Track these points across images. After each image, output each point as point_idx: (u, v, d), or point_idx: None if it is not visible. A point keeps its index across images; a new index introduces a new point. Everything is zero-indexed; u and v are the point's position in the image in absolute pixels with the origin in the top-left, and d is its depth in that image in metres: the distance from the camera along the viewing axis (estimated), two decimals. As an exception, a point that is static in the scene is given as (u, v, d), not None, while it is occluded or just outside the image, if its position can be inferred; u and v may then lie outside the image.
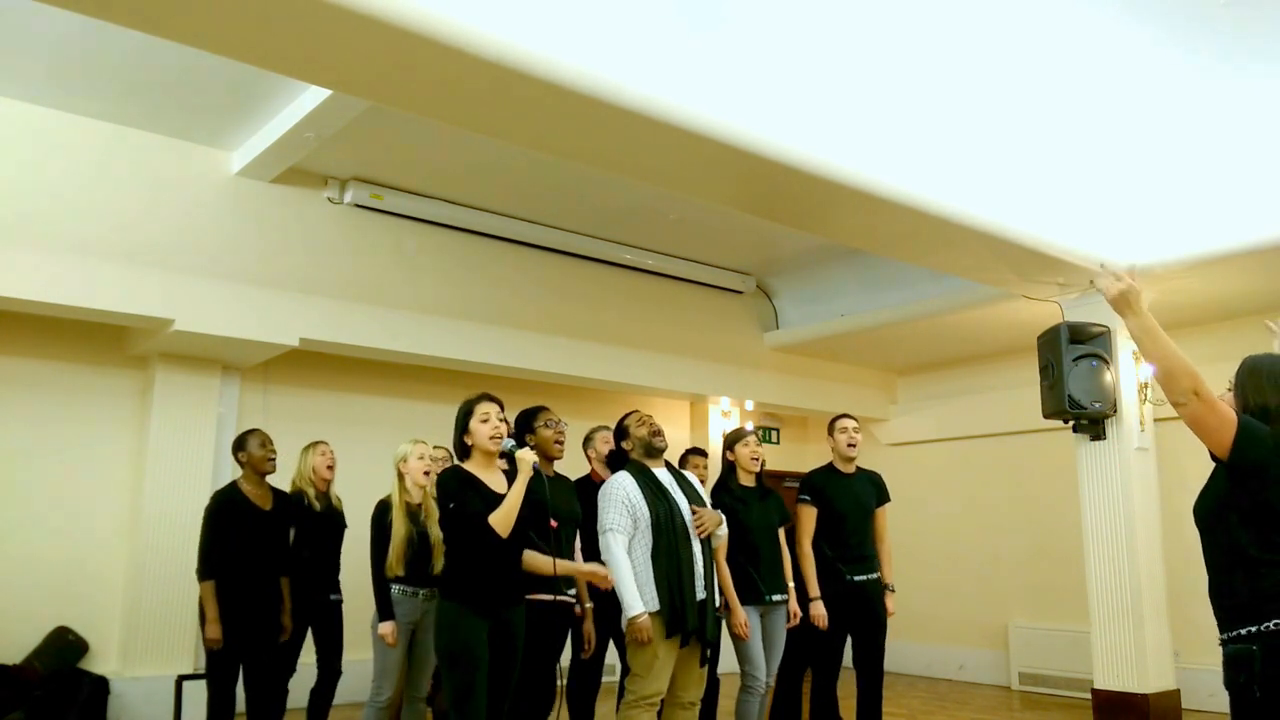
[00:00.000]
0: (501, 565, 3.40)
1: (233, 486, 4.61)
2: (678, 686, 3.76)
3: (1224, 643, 2.33)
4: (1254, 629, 2.23)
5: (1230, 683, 2.29)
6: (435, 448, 4.67)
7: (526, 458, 3.42)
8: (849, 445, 4.84)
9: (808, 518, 4.76)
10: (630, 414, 3.96)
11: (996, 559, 8.21)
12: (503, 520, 3.33)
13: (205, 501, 5.99)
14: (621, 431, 3.93)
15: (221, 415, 6.29)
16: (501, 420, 3.49)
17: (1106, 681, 5.60)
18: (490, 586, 3.37)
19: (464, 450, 3.49)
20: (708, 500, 4.03)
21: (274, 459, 4.63)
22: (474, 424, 3.45)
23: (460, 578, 3.37)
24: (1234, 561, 2.31)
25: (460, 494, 3.36)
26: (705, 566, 3.77)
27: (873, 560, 4.82)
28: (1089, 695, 5.88)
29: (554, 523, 3.80)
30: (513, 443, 3.51)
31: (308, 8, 2.90)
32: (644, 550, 3.69)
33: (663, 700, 3.75)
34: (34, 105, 5.20)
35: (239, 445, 4.64)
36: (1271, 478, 2.26)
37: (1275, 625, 2.20)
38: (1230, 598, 2.32)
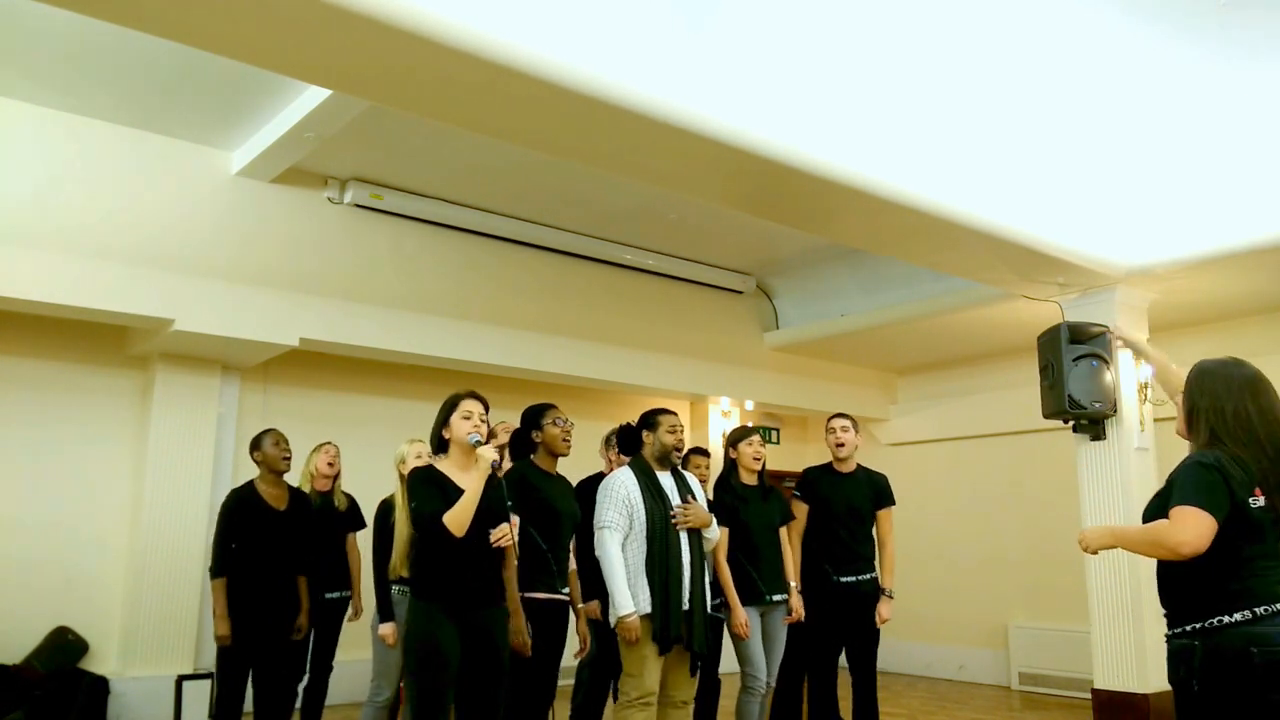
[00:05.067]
0: (469, 565, 3.29)
1: (248, 486, 4.63)
2: (669, 686, 3.78)
3: (1168, 638, 2.40)
4: (1198, 625, 2.30)
5: (1172, 677, 2.37)
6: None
7: (485, 455, 3.31)
8: (837, 445, 4.85)
9: (799, 514, 4.80)
10: (667, 413, 3.95)
11: (996, 559, 8.21)
12: (457, 520, 3.20)
13: (205, 501, 6.07)
14: (650, 423, 3.93)
15: (221, 415, 6.30)
16: (484, 420, 3.44)
17: (1106, 681, 5.59)
18: (460, 586, 3.27)
19: (442, 445, 3.42)
20: (704, 505, 4.02)
21: (288, 458, 4.65)
22: (455, 419, 3.38)
23: (429, 577, 3.28)
24: (1186, 566, 2.34)
25: (421, 492, 3.27)
26: (695, 577, 3.78)
27: (865, 562, 4.81)
28: (1089, 695, 5.88)
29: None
30: (478, 437, 3.41)
31: (308, 8, 2.90)
32: (637, 552, 3.71)
33: (659, 699, 3.77)
34: (34, 105, 5.20)
35: (255, 444, 4.66)
36: (1233, 511, 2.28)
37: (1217, 621, 2.26)
38: (1179, 596, 2.38)
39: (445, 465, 3.38)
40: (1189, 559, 2.26)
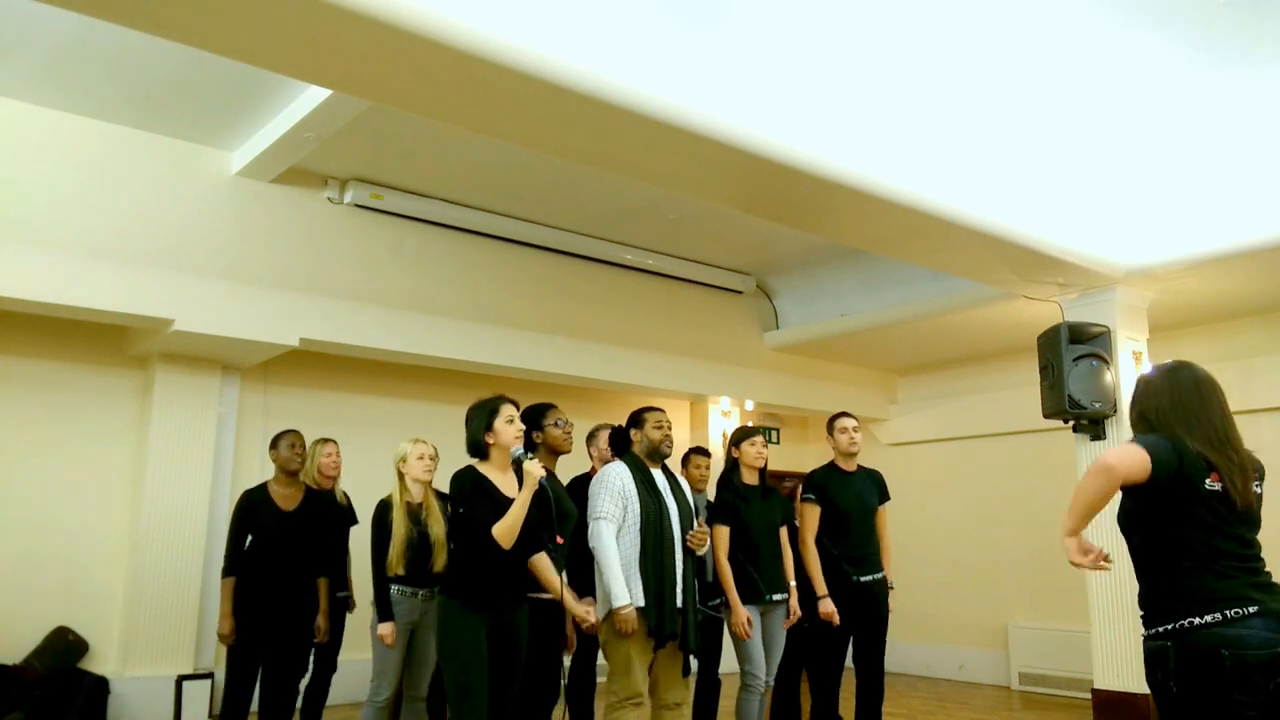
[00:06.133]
0: (504, 568, 3.42)
1: (260, 487, 4.72)
2: (661, 688, 3.78)
3: (1145, 639, 2.43)
4: (1170, 626, 2.32)
5: (1150, 680, 2.39)
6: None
7: (534, 471, 3.41)
8: (850, 444, 4.83)
9: (811, 516, 4.75)
10: (651, 410, 3.96)
11: (996, 559, 8.21)
12: (506, 533, 3.35)
13: (206, 501, 6.08)
14: (637, 421, 3.93)
15: (221, 415, 6.29)
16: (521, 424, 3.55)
17: (1106, 681, 5.60)
18: (492, 588, 3.40)
19: (482, 450, 3.50)
20: (693, 504, 4.03)
21: (300, 458, 4.74)
22: (500, 424, 3.47)
23: (462, 578, 3.41)
24: (1156, 564, 2.40)
25: (472, 500, 3.37)
26: (686, 574, 3.78)
27: (875, 560, 4.80)
28: (1089, 695, 5.89)
29: (560, 539, 3.81)
30: (521, 450, 3.51)
31: (308, 8, 2.90)
32: (630, 546, 3.69)
33: (652, 701, 3.79)
34: (34, 105, 5.20)
35: (273, 444, 4.75)
36: (1185, 486, 2.34)
37: (1189, 623, 2.29)
38: (1151, 598, 2.41)
39: (487, 470, 3.47)
40: (1124, 486, 2.34)
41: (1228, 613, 2.26)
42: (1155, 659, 2.35)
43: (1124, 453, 2.34)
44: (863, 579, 4.71)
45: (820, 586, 4.62)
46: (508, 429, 3.47)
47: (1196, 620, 2.27)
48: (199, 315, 5.50)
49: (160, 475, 5.95)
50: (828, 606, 4.58)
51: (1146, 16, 4.32)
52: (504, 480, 3.48)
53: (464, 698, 3.29)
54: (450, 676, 3.36)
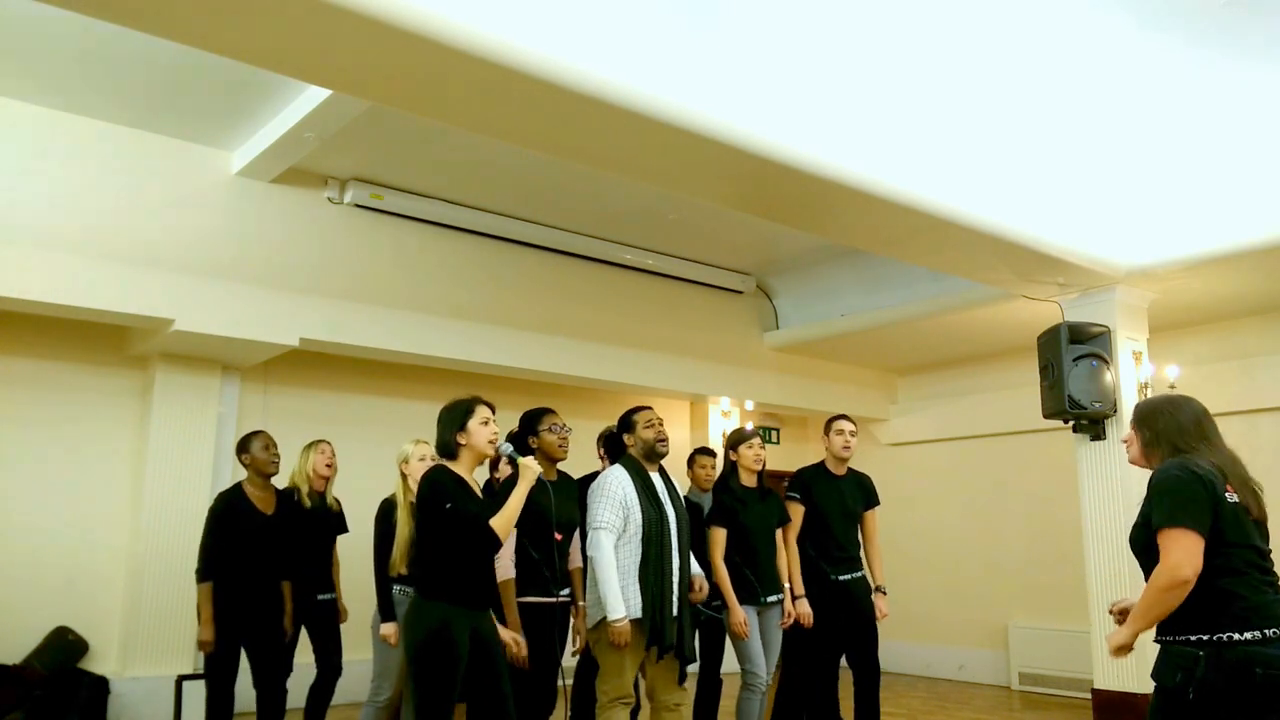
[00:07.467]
0: (486, 568, 3.37)
1: (236, 489, 4.60)
2: (659, 691, 3.77)
3: (1166, 641, 2.42)
4: (1205, 637, 2.32)
5: (1162, 677, 2.39)
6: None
7: (532, 466, 3.42)
8: (844, 448, 4.84)
9: (795, 515, 4.79)
10: (641, 410, 3.92)
11: (996, 559, 8.21)
12: (504, 525, 3.32)
13: (205, 501, 6.02)
14: (627, 425, 3.90)
15: (221, 415, 6.29)
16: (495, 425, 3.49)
17: (1106, 681, 5.59)
18: (477, 587, 3.33)
19: (452, 450, 3.42)
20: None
21: (277, 461, 4.62)
22: (474, 425, 3.39)
23: (446, 578, 3.29)
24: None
25: (457, 495, 3.31)
26: (681, 581, 3.77)
27: (857, 560, 4.85)
28: (1089, 695, 5.88)
29: (559, 535, 3.79)
30: (510, 447, 3.48)
31: (308, 8, 2.90)
32: (631, 555, 3.67)
33: (651, 704, 3.79)
34: (34, 105, 5.20)
35: (243, 447, 4.63)
36: (1217, 515, 2.36)
37: (1227, 638, 2.30)
38: (1185, 606, 2.38)
39: (457, 470, 3.41)
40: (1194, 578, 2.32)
41: (1266, 632, 2.29)
42: (1180, 663, 2.34)
43: (1187, 553, 2.31)
44: (840, 578, 4.73)
45: (798, 587, 4.65)
46: (482, 430, 3.39)
47: (1236, 636, 2.29)
48: (199, 315, 5.50)
49: (160, 475, 5.95)
50: (804, 608, 4.61)
51: (1147, 16, 4.32)
52: (471, 482, 3.43)
53: (438, 700, 3.15)
54: (427, 679, 3.18)
